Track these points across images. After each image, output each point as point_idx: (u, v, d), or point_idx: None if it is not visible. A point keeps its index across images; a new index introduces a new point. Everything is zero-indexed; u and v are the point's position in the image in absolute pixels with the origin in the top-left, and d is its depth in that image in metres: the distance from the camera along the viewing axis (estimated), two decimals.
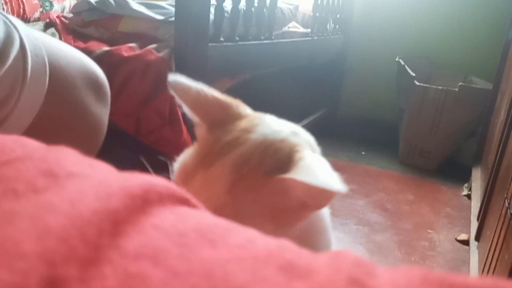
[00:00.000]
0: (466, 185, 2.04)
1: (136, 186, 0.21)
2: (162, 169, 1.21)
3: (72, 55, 0.58)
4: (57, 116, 0.55)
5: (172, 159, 1.27)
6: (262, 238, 0.20)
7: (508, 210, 0.85)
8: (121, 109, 1.07)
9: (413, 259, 1.46)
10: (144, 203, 0.20)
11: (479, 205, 1.52)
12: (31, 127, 0.52)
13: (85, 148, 0.59)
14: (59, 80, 0.54)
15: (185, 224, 0.20)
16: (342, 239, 1.55)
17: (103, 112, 0.64)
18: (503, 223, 0.90)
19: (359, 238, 1.57)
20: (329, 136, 2.67)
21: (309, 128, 2.36)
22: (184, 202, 0.23)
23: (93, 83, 0.60)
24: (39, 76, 0.51)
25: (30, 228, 0.15)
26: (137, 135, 1.13)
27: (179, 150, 1.24)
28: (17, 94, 0.49)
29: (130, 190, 0.20)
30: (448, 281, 0.17)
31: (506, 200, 0.90)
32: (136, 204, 0.20)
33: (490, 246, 0.98)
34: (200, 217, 0.21)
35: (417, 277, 0.18)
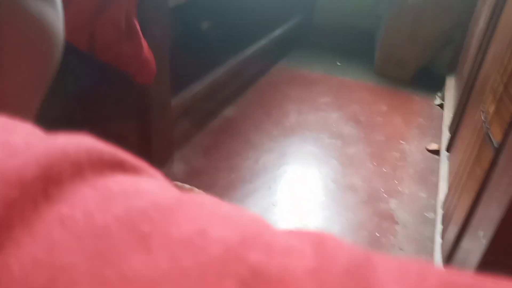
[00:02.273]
0: (439, 94, 2.04)
1: (34, 162, 0.14)
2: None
3: None
4: None
5: (135, 78, 1.17)
6: (219, 222, 0.15)
7: (484, 124, 0.84)
8: (71, 22, 0.94)
9: (384, 170, 1.49)
10: (47, 182, 0.14)
11: (451, 115, 1.52)
12: None
13: (33, 67, 0.48)
14: None
15: (109, 209, 0.14)
16: (315, 153, 1.55)
17: (52, 16, 0.50)
18: (477, 136, 0.89)
19: (332, 151, 1.58)
20: (305, 46, 2.56)
21: (283, 37, 2.22)
22: (117, 166, 0.17)
23: None
24: None
25: None
26: (92, 52, 1.02)
27: (141, 68, 1.14)
28: None
29: (25, 171, 0.14)
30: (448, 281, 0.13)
31: (482, 114, 0.88)
32: (33, 189, 0.14)
33: (462, 159, 0.98)
34: (134, 192, 0.15)
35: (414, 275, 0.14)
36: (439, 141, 1.62)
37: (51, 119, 1.34)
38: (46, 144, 0.15)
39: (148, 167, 0.18)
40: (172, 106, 1.35)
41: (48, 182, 0.14)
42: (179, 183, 1.14)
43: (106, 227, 0.13)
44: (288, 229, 0.16)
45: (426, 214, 1.29)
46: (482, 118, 0.87)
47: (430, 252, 1.11)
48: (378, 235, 1.21)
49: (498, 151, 0.72)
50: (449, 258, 0.91)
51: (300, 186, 1.38)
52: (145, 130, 1.30)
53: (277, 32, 2.18)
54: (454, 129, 1.35)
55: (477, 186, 0.79)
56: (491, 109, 0.81)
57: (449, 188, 1.07)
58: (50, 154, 0.15)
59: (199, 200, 0.16)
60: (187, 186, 1.13)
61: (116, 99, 1.72)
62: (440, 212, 1.12)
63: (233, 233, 0.14)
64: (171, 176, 1.35)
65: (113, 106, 1.70)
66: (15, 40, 0.45)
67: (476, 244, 0.71)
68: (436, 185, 1.35)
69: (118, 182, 0.15)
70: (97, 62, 1.07)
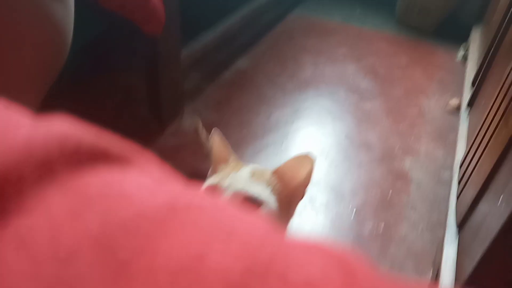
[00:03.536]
0: (463, 45, 1.93)
1: None
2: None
3: None
4: None
5: (143, 28, 1.11)
6: (220, 242, 0.11)
7: None
8: None
9: (401, 127, 1.44)
10: (3, 189, 0.11)
11: (476, 68, 1.44)
12: None
13: (37, 61, 0.44)
14: None
15: (81, 223, 0.11)
16: (331, 108, 1.50)
17: (61, 13, 0.46)
18: (504, 95, 0.83)
19: (348, 106, 1.53)
20: None
21: None
22: (99, 157, 0.13)
23: None
24: None
25: None
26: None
27: (149, 17, 1.08)
28: None
29: None
30: None
31: None
32: None
33: (486, 118, 0.93)
34: (116, 196, 0.12)
35: None
36: (460, 97, 1.55)
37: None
38: (5, 138, 0.12)
39: (140, 153, 0.15)
40: (182, 57, 1.30)
41: (4, 188, 0.11)
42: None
43: (74, 251, 0.10)
44: (307, 242, 0.13)
45: (442, 174, 1.26)
46: None
47: (444, 212, 1.09)
48: (390, 193, 1.19)
49: None
50: (463, 220, 0.89)
51: (313, 143, 1.35)
52: (154, 82, 1.26)
53: None
54: (478, 83, 1.28)
55: (501, 148, 0.74)
56: None
57: (469, 147, 1.03)
58: (9, 151, 0.12)
59: (197, 205, 0.12)
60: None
61: (124, 49, 1.67)
62: (457, 172, 1.09)
63: (238, 260, 0.11)
64: (182, 131, 1.33)
65: (121, 56, 1.65)
66: (19, 33, 0.41)
67: (495, 210, 0.68)
68: (454, 144, 1.30)
69: (97, 181, 0.12)
70: (104, 11, 1.01)
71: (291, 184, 0.56)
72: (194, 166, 1.19)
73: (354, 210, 1.13)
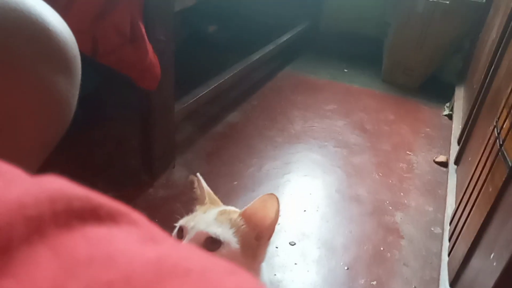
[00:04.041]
0: (447, 104, 2.01)
1: None
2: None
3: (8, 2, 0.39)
4: None
5: (138, 84, 1.14)
6: None
7: (497, 141, 0.81)
8: (73, 24, 0.92)
9: (390, 181, 1.46)
10: None
11: (460, 127, 1.49)
12: None
13: (42, 136, 0.44)
14: None
15: None
16: (320, 162, 1.52)
17: (65, 86, 0.44)
18: (489, 153, 0.85)
19: (338, 160, 1.55)
20: (311, 52, 2.53)
21: (289, 43, 2.19)
22: (89, 215, 0.14)
23: (46, 45, 0.41)
24: None
25: None
26: (95, 56, 0.99)
27: (144, 72, 1.11)
28: None
29: None
30: None
31: (495, 130, 0.85)
32: None
33: (473, 175, 0.95)
34: (104, 258, 0.12)
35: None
36: (447, 153, 1.59)
37: None
38: None
39: (129, 211, 0.15)
40: (175, 110, 1.33)
41: None
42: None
43: None
44: None
45: (432, 229, 1.26)
46: (495, 133, 0.84)
47: (436, 269, 1.08)
48: (382, 249, 1.18)
49: None
50: (456, 277, 0.88)
51: (303, 196, 1.35)
52: (147, 133, 1.28)
53: (284, 37, 2.15)
54: (464, 141, 1.32)
55: (489, 204, 0.76)
56: (506, 125, 0.78)
57: (458, 204, 1.04)
58: (0, 210, 0.12)
59: (184, 267, 0.13)
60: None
61: (118, 102, 1.70)
62: (447, 228, 1.09)
63: None
64: (172, 182, 1.33)
65: (115, 108, 1.68)
66: (19, 105, 0.41)
67: (487, 266, 0.67)
68: (443, 199, 1.31)
69: (86, 242, 0.12)
70: (101, 64, 1.05)
71: (262, 225, 0.59)
72: (181, 215, 1.17)
73: (346, 267, 1.11)
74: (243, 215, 0.60)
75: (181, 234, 0.58)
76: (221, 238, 0.56)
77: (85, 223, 0.13)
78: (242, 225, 0.59)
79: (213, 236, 0.55)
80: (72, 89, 0.46)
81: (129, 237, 0.13)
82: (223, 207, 0.64)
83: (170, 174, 1.36)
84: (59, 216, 0.13)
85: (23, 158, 0.43)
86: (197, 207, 0.66)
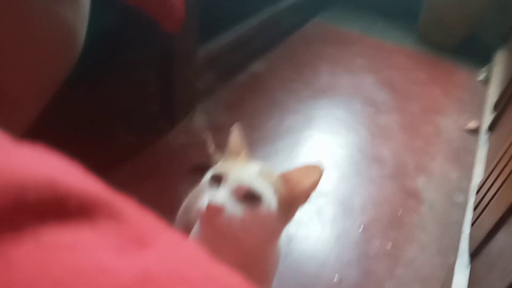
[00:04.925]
0: (484, 69, 1.88)
1: None
2: None
3: None
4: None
5: (161, 25, 1.08)
6: None
7: None
8: None
9: (416, 144, 1.40)
10: None
11: (499, 92, 1.39)
12: None
13: (50, 66, 0.42)
14: None
15: None
16: (345, 119, 1.47)
17: (72, 13, 0.43)
18: None
19: (363, 119, 1.49)
20: (344, 1, 2.39)
21: None
22: (53, 210, 0.10)
23: None
24: None
25: None
26: None
27: (168, 13, 1.05)
28: None
29: None
30: None
31: None
32: None
33: (510, 145, 0.89)
34: (90, 272, 0.09)
35: None
36: (479, 120, 1.50)
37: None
38: None
39: (112, 199, 0.11)
40: (197, 57, 1.28)
41: None
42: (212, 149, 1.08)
43: None
44: None
45: (455, 197, 1.22)
46: None
47: (456, 238, 1.05)
48: (401, 213, 1.15)
49: None
50: (478, 249, 0.85)
51: (324, 153, 1.31)
52: (167, 79, 1.24)
53: None
54: (501, 108, 1.23)
55: None
56: None
57: (489, 174, 0.99)
58: None
59: (175, 269, 0.09)
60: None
61: (139, 45, 1.65)
62: (473, 197, 1.05)
63: None
64: (191, 130, 1.30)
65: (135, 52, 1.63)
66: (27, 33, 0.39)
67: None
68: (470, 167, 1.26)
69: (36, 255, 0.09)
70: (121, 4, 0.99)
71: (295, 190, 0.57)
72: (200, 164, 1.16)
73: (362, 226, 1.09)
74: (283, 177, 0.57)
75: (214, 182, 0.54)
76: (263, 195, 0.52)
77: (42, 223, 0.09)
78: (281, 186, 0.56)
79: (256, 192, 0.52)
80: (79, 18, 0.44)
81: (103, 243, 0.10)
82: (263, 165, 0.59)
83: (190, 122, 1.33)
84: (3, 214, 0.09)
85: (35, 87, 0.41)
86: (233, 158, 0.61)
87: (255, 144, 1.30)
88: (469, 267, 0.85)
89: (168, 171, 1.15)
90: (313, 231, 1.06)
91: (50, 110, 1.21)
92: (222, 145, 1.23)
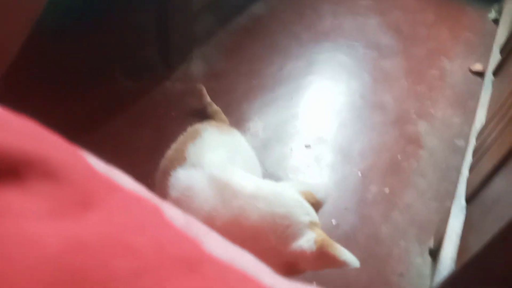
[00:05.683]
0: (496, 6, 1.79)
1: None
2: None
3: None
4: None
5: None
6: None
7: None
8: None
9: (419, 89, 1.37)
10: None
11: (507, 34, 1.34)
12: None
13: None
14: None
15: None
16: (347, 64, 1.43)
17: None
18: None
19: (366, 63, 1.45)
20: None
21: None
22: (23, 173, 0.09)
23: None
24: None
25: None
26: None
27: None
28: None
29: None
30: None
31: None
32: None
33: None
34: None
35: None
36: (485, 63, 1.46)
37: (67, 7, 1.23)
38: None
39: (50, 155, 0.10)
40: None
41: None
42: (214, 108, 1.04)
43: None
44: None
45: (456, 142, 1.21)
46: None
47: (454, 183, 1.05)
48: (400, 158, 1.15)
49: None
50: (474, 193, 0.85)
51: (325, 100, 1.29)
52: (164, 22, 1.19)
53: None
54: (508, 51, 1.19)
55: None
56: None
57: (489, 118, 0.97)
58: None
59: (117, 236, 0.08)
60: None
61: None
62: (473, 142, 1.04)
63: None
64: (189, 76, 1.28)
65: None
66: None
67: None
68: (473, 111, 1.24)
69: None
70: None
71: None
72: (198, 110, 1.15)
73: (360, 174, 1.10)
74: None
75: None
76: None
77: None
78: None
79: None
80: None
81: (30, 207, 0.09)
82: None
83: (188, 67, 1.30)
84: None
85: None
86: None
87: (254, 92, 1.27)
88: (465, 212, 0.86)
89: (165, 117, 1.14)
90: (311, 178, 1.07)
91: (44, 55, 1.17)
92: (220, 92, 1.21)
